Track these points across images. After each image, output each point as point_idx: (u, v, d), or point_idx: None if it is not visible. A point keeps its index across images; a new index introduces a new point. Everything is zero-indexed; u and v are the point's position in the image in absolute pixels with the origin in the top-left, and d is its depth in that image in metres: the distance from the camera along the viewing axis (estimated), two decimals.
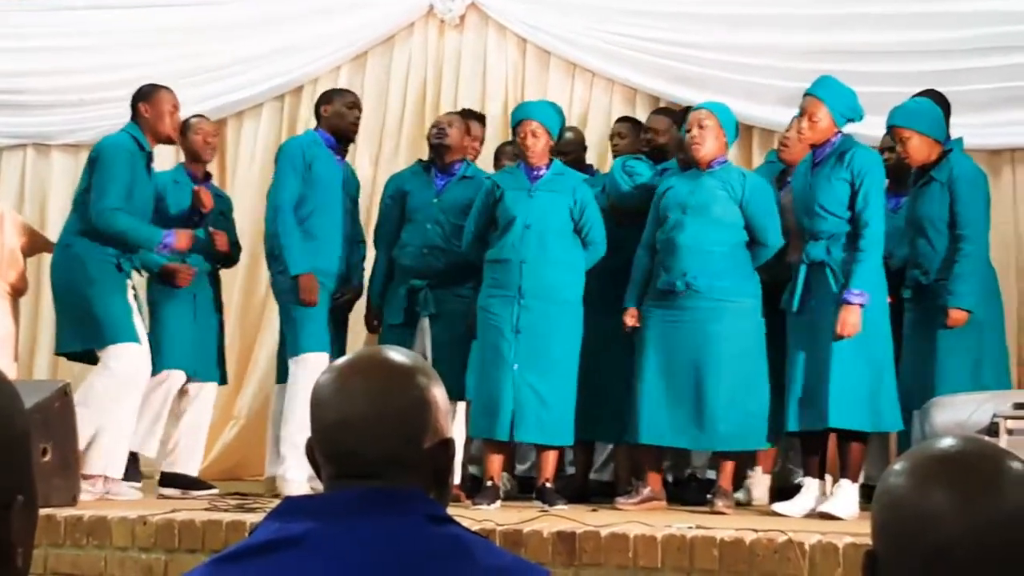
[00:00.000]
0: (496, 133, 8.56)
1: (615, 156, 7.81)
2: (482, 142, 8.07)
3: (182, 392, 7.51)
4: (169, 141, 7.36)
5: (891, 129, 6.79)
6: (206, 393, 7.61)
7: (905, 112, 6.78)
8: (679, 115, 7.59)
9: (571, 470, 7.65)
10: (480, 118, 8.10)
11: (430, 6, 9.23)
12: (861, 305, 6.39)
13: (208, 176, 7.93)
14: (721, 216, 6.81)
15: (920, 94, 7.18)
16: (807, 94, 6.64)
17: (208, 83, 9.49)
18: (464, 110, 8.11)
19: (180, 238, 7.17)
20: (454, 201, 7.48)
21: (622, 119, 8.14)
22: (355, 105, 7.61)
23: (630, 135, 7.77)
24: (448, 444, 2.07)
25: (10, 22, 10.09)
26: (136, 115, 7.17)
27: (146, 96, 7.19)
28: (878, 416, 6.48)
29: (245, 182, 9.37)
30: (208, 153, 7.81)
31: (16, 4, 10.27)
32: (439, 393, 2.09)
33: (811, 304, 6.55)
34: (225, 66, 9.62)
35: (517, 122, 7.13)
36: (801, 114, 6.64)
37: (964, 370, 6.60)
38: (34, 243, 7.62)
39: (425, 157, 7.71)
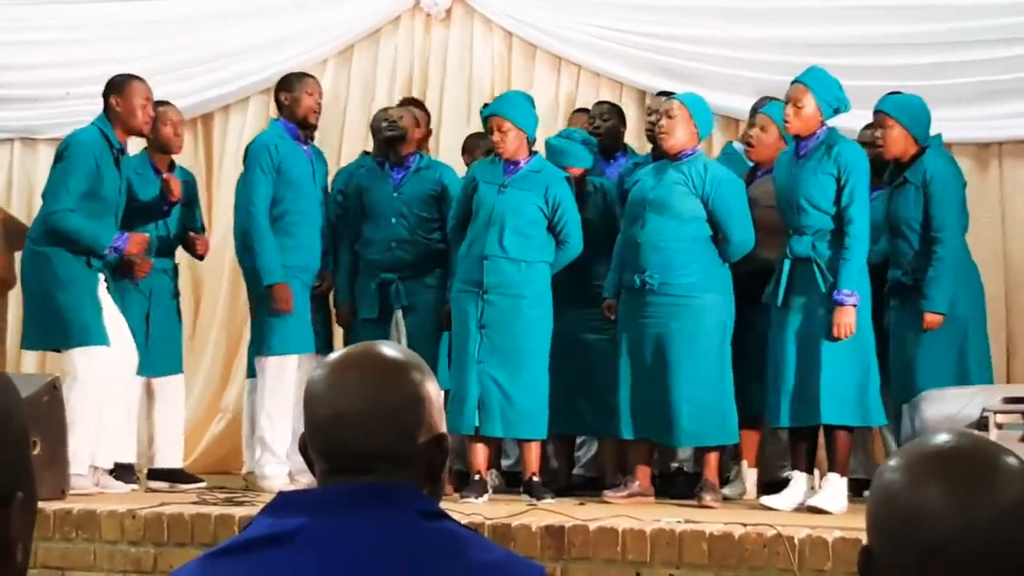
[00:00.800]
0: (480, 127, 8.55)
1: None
2: (428, 131, 8.05)
3: (149, 391, 7.49)
4: (141, 134, 7.23)
5: (877, 113, 6.81)
6: (173, 386, 7.59)
7: (895, 102, 6.81)
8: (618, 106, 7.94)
9: (555, 463, 7.64)
10: (421, 106, 8.05)
11: (416, 0, 9.22)
12: (854, 305, 6.41)
13: (173, 166, 7.76)
14: (680, 211, 6.79)
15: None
16: (794, 81, 6.65)
17: (194, 77, 9.47)
18: (408, 99, 8.09)
19: (132, 242, 7.03)
20: (413, 193, 7.50)
21: (578, 110, 8.22)
22: (315, 91, 7.52)
23: (613, 118, 7.84)
24: (442, 439, 2.08)
25: None
26: (107, 108, 7.06)
27: (117, 88, 7.07)
28: (866, 411, 6.51)
29: (231, 177, 9.30)
30: (176, 145, 7.65)
31: None
32: (432, 388, 2.09)
33: (796, 299, 6.56)
34: (211, 60, 9.59)
35: (485, 119, 7.12)
36: (787, 102, 6.65)
37: (948, 366, 6.64)
38: (21, 236, 7.58)
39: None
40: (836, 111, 6.63)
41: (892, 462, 1.62)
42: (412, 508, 1.98)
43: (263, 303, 7.27)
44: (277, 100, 7.55)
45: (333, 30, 9.36)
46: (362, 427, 2.01)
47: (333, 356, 2.11)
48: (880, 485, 1.61)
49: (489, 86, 8.97)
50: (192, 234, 7.58)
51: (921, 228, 6.71)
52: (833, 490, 6.41)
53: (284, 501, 2.03)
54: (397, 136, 7.53)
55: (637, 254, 6.79)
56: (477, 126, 8.01)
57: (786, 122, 6.66)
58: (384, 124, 7.61)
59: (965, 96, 7.91)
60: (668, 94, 7.48)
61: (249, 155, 7.42)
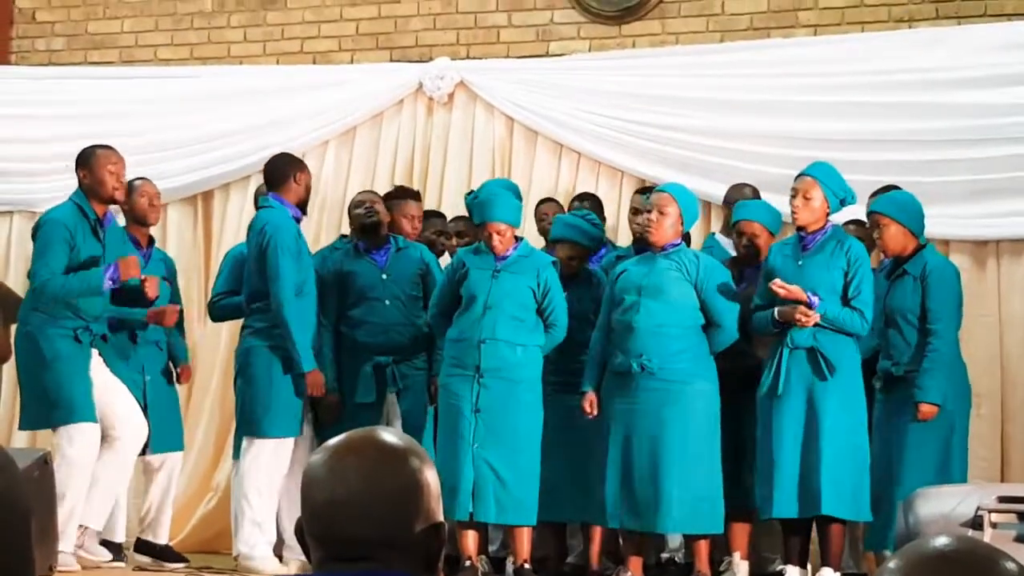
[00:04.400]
0: None
1: (542, 234, 7.98)
2: (420, 219, 8.05)
3: (145, 467, 7.45)
4: (114, 201, 7.18)
5: (871, 215, 6.84)
6: (170, 463, 7.57)
7: (889, 200, 6.85)
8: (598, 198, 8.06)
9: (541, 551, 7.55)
10: (416, 196, 8.07)
11: (419, 83, 9.26)
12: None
13: (152, 241, 7.78)
14: (676, 298, 6.81)
15: (883, 189, 7.24)
16: (803, 175, 6.69)
17: (196, 154, 9.51)
18: (402, 188, 8.08)
19: (127, 267, 6.94)
20: (401, 274, 7.53)
21: (546, 200, 8.31)
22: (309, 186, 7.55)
23: (555, 214, 7.92)
24: (440, 528, 2.07)
25: None
26: (79, 181, 7.09)
27: (84, 160, 7.10)
28: (860, 505, 6.50)
29: None
30: (153, 216, 7.66)
31: (4, 72, 10.30)
32: (431, 476, 2.09)
33: (795, 389, 6.56)
34: (214, 137, 9.63)
35: (483, 222, 7.13)
36: (794, 195, 6.68)
37: (933, 460, 6.63)
38: (16, 309, 7.58)
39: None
40: (843, 202, 6.68)
41: (892, 564, 1.62)
42: None
43: (258, 384, 7.23)
44: (285, 180, 7.46)
45: (336, 111, 9.40)
46: (360, 514, 2.00)
47: (332, 441, 2.10)
48: None
49: (489, 171, 9.00)
50: (180, 367, 7.58)
51: (917, 320, 6.72)
52: None
53: None
54: (375, 223, 7.54)
55: (630, 339, 6.77)
56: None
57: (794, 214, 6.69)
58: (361, 210, 7.62)
59: (961, 194, 7.94)
60: (648, 191, 7.56)
61: (273, 239, 7.23)
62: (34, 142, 9.90)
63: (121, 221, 7.72)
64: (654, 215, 6.87)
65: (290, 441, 7.28)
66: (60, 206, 7.07)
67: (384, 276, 7.52)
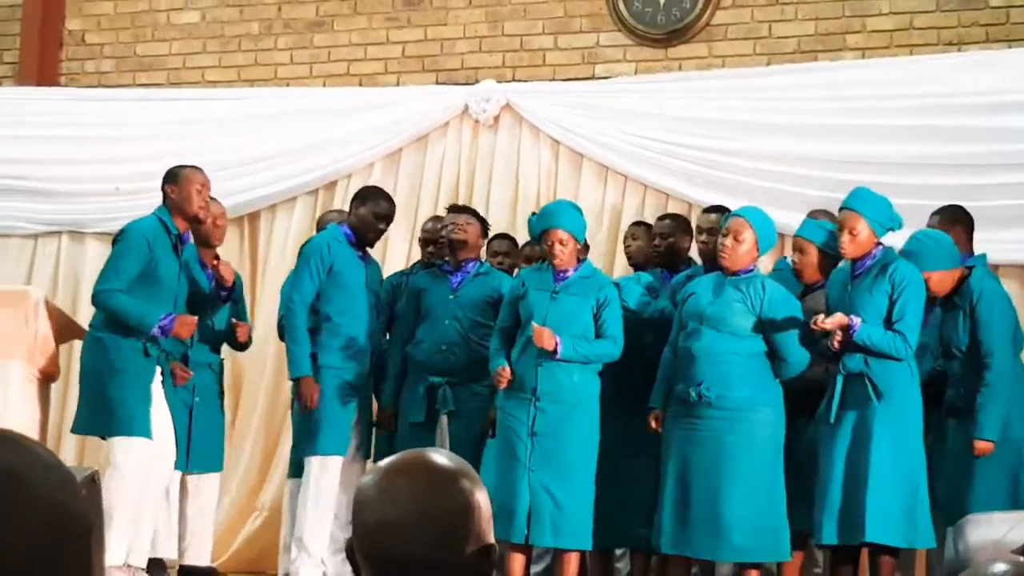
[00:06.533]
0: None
1: (628, 258, 7.93)
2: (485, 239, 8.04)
3: (183, 487, 7.48)
4: (197, 220, 7.22)
5: None
6: (208, 484, 7.57)
7: (916, 257, 6.70)
8: (684, 219, 7.84)
9: None
10: (477, 215, 7.99)
11: (465, 106, 9.28)
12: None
13: (217, 259, 7.86)
14: (738, 327, 6.72)
15: (941, 209, 7.18)
16: (844, 208, 6.63)
17: (242, 176, 9.54)
18: (458, 206, 8.05)
19: (181, 325, 6.94)
20: (471, 298, 7.50)
21: (636, 223, 8.17)
22: (384, 218, 7.56)
23: (643, 238, 7.82)
24: (491, 550, 2.06)
25: (46, 110, 10.20)
26: (164, 197, 7.14)
27: (173, 177, 7.15)
28: (914, 532, 6.41)
29: (275, 275, 9.36)
30: (217, 236, 7.69)
31: (54, 93, 10.39)
32: (482, 498, 2.08)
33: (847, 416, 6.49)
34: (259, 159, 9.68)
35: (542, 231, 7.08)
36: (840, 228, 6.62)
37: (1000, 488, 6.53)
38: (66, 329, 7.62)
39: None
40: (890, 230, 6.62)
41: None
42: None
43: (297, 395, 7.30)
44: (351, 206, 7.64)
45: (382, 133, 9.42)
46: (411, 535, 2.00)
47: (384, 462, 2.10)
48: None
49: (535, 193, 9.01)
50: (234, 320, 7.57)
51: (969, 352, 6.65)
52: None
53: None
54: (460, 240, 7.55)
55: (692, 367, 6.70)
56: (522, 231, 8.04)
57: (841, 248, 6.63)
58: (448, 227, 7.62)
59: (1011, 218, 7.86)
60: (719, 209, 7.45)
61: (303, 251, 7.56)
62: (82, 163, 9.97)
63: None
64: (729, 241, 6.76)
65: (338, 460, 7.28)
66: (145, 218, 7.10)
67: (452, 296, 7.53)
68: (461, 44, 9.68)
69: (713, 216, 7.34)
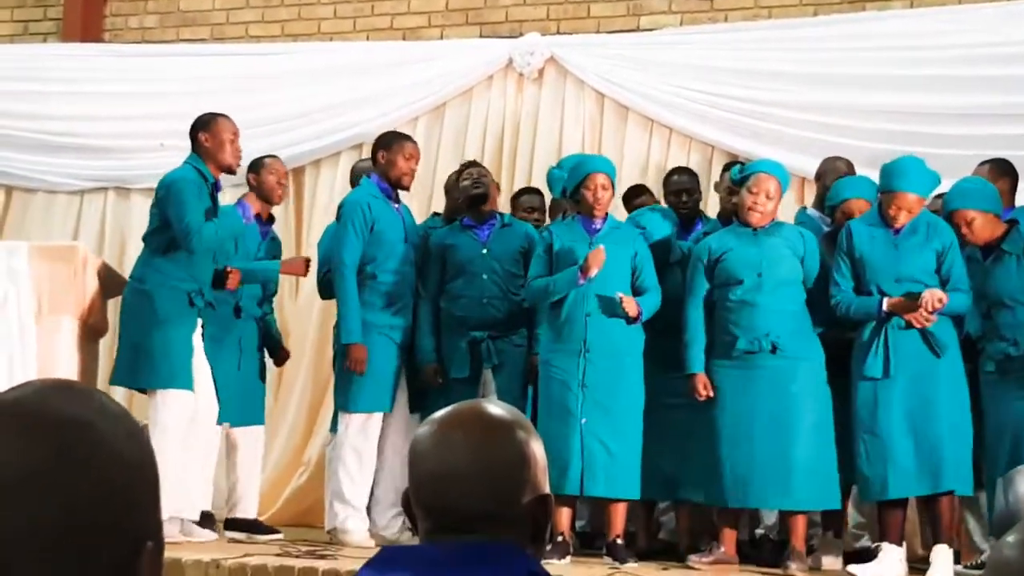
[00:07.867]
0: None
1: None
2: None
3: (230, 440, 7.52)
4: (230, 171, 7.18)
5: (951, 215, 6.65)
6: (253, 437, 7.60)
7: (963, 194, 6.64)
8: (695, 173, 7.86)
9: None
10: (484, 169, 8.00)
11: (509, 59, 9.26)
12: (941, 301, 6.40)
13: (272, 219, 7.85)
14: (788, 275, 6.78)
15: (989, 161, 7.13)
16: (893, 191, 6.58)
17: (286, 131, 9.54)
18: (471, 162, 8.00)
19: (234, 277, 7.27)
20: (503, 250, 7.49)
21: (676, 169, 8.05)
22: (412, 156, 7.51)
23: (697, 191, 7.80)
24: (546, 500, 2.07)
25: (91, 66, 10.22)
26: (196, 145, 7.08)
27: (205, 125, 7.09)
28: (972, 479, 6.48)
29: (321, 231, 9.38)
30: (278, 195, 7.68)
31: (98, 50, 10.41)
32: (537, 448, 2.08)
33: (901, 370, 6.47)
34: (303, 115, 9.68)
35: (587, 174, 7.04)
36: (888, 205, 6.59)
37: None
38: (113, 285, 7.65)
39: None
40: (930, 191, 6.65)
41: (1011, 538, 1.59)
42: (517, 568, 1.96)
43: (347, 358, 7.30)
44: (374, 157, 7.54)
45: (425, 88, 9.41)
46: (467, 487, 2.00)
47: (439, 414, 2.10)
48: (1000, 561, 1.58)
49: (579, 147, 8.97)
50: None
51: None
52: (945, 563, 6.32)
53: (389, 556, 2.02)
54: (483, 194, 7.53)
55: (755, 317, 6.71)
56: None
57: (894, 219, 6.59)
58: (468, 182, 7.61)
59: None
60: (733, 165, 7.47)
61: (343, 213, 7.42)
62: (127, 119, 9.99)
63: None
64: (761, 199, 6.81)
65: (378, 416, 7.30)
66: (179, 169, 7.08)
67: (484, 251, 7.51)
68: None
69: (732, 175, 7.26)
